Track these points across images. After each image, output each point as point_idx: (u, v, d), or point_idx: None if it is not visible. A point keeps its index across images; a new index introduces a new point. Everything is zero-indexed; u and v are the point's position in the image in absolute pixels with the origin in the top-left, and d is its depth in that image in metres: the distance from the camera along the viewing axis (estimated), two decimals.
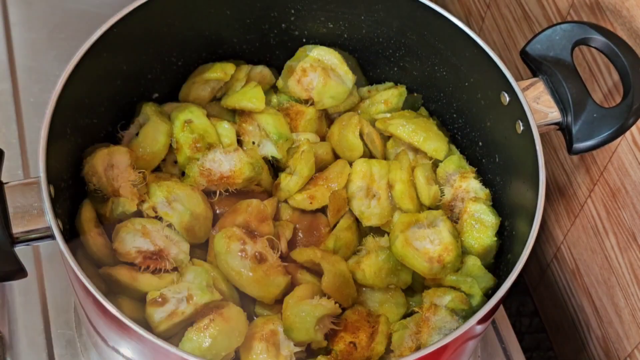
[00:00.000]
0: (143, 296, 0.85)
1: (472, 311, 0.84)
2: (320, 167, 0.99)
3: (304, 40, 1.04)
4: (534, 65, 0.90)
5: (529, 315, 1.24)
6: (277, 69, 1.05)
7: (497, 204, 0.95)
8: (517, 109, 0.88)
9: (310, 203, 0.96)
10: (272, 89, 1.06)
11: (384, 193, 0.96)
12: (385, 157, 1.02)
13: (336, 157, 1.01)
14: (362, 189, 0.96)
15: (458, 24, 0.93)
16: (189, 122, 0.97)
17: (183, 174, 0.96)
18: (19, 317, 1.03)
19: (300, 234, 0.95)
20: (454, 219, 0.95)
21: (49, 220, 0.78)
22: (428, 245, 0.90)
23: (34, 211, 0.79)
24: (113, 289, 0.86)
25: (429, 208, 0.96)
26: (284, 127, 0.99)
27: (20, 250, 0.78)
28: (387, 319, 0.88)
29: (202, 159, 0.94)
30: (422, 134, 0.98)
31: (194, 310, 0.82)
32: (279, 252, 0.91)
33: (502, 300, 0.80)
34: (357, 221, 0.96)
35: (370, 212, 0.94)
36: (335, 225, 0.95)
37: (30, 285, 1.05)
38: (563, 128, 0.89)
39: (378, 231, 0.96)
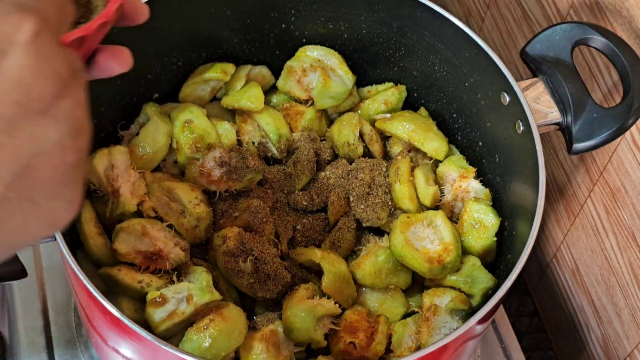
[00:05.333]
0: (143, 296, 0.85)
1: (472, 311, 0.84)
2: (320, 167, 0.99)
3: (304, 40, 1.04)
4: (534, 66, 0.90)
5: (529, 315, 1.24)
6: (277, 69, 1.05)
7: (497, 204, 0.95)
8: (517, 109, 0.88)
9: (311, 203, 0.96)
10: (272, 89, 1.06)
11: (383, 193, 0.96)
12: (385, 157, 1.02)
13: (336, 157, 1.01)
14: (362, 189, 0.96)
15: (458, 24, 0.93)
16: (189, 122, 0.97)
17: (183, 174, 0.96)
18: (19, 317, 1.03)
19: (300, 234, 0.95)
20: (454, 219, 0.96)
21: None
22: (428, 245, 0.90)
23: None
24: (113, 289, 0.86)
25: (429, 208, 0.96)
26: (283, 127, 0.99)
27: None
28: (387, 319, 0.88)
29: (202, 159, 0.94)
30: (422, 134, 0.98)
31: (194, 310, 0.82)
32: (279, 252, 0.91)
33: (502, 300, 0.80)
34: (357, 221, 0.96)
35: (370, 212, 0.95)
36: (335, 225, 0.95)
37: (30, 286, 1.05)
38: (563, 128, 0.89)
39: (378, 231, 0.96)
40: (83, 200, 0.42)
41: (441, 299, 0.87)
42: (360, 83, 1.06)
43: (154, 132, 0.96)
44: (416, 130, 0.98)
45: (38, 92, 0.40)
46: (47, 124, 0.40)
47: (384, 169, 0.97)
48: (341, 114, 1.03)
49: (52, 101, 0.40)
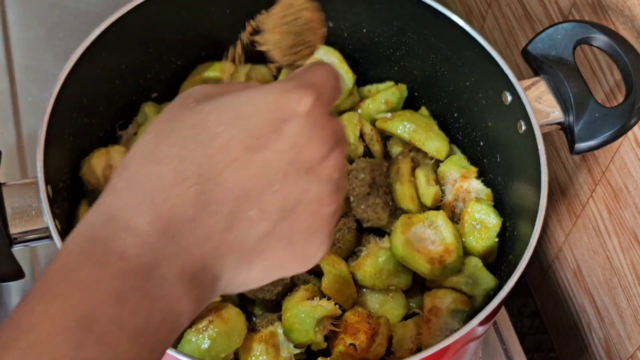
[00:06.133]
0: None
1: (474, 312, 0.84)
2: None
3: None
4: (536, 65, 0.90)
5: (531, 316, 1.23)
6: (277, 69, 1.04)
7: (499, 204, 0.94)
8: (518, 109, 0.88)
9: None
10: None
11: (384, 194, 0.95)
12: (385, 157, 1.01)
13: None
14: (362, 189, 0.95)
15: (459, 23, 0.92)
16: None
17: None
18: None
19: None
20: (455, 220, 0.95)
21: (47, 221, 0.77)
22: (429, 246, 0.89)
23: (32, 212, 0.78)
24: None
25: (430, 208, 0.95)
26: None
27: (17, 251, 0.77)
28: (388, 321, 0.88)
29: None
30: (422, 134, 0.98)
31: None
32: None
33: (504, 302, 0.79)
34: (358, 222, 0.95)
35: (370, 212, 0.94)
36: (335, 225, 0.94)
37: (28, 287, 1.05)
38: (565, 128, 0.88)
39: (379, 232, 0.96)
40: (330, 244, 0.53)
41: (442, 300, 0.87)
42: (360, 82, 1.05)
43: None
44: (417, 130, 0.98)
45: (308, 154, 0.48)
46: (310, 181, 0.49)
47: (385, 169, 0.97)
48: (341, 113, 1.03)
49: (317, 163, 0.49)
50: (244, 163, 0.47)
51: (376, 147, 1.00)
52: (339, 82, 0.53)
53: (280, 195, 0.48)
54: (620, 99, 0.91)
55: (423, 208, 0.96)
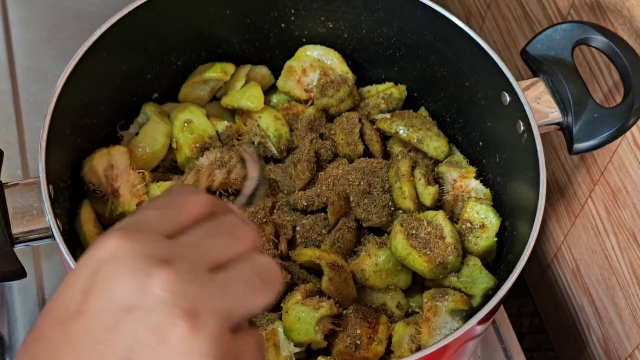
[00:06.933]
0: None
1: (473, 312, 0.84)
2: (321, 167, 0.99)
3: (304, 40, 1.04)
4: (535, 65, 0.90)
5: (530, 316, 1.23)
6: (277, 69, 1.05)
7: (498, 204, 0.95)
8: (517, 109, 0.88)
9: (311, 203, 0.95)
10: (271, 89, 1.06)
11: (384, 193, 0.95)
12: (385, 157, 1.01)
13: (336, 156, 1.01)
14: (362, 189, 0.95)
15: (458, 24, 0.93)
16: (188, 122, 0.96)
17: (182, 174, 0.96)
18: (18, 317, 1.03)
19: (300, 234, 0.94)
20: (455, 219, 0.95)
21: (49, 220, 0.77)
22: (428, 245, 0.89)
23: (34, 211, 0.79)
24: None
25: (429, 208, 0.95)
26: (283, 127, 0.99)
27: (19, 250, 0.78)
28: (387, 320, 0.88)
29: (201, 159, 0.94)
30: (422, 134, 0.98)
31: None
32: (279, 252, 0.91)
33: (503, 301, 0.80)
34: (357, 221, 0.96)
35: (370, 212, 0.94)
36: (335, 225, 0.95)
37: (30, 286, 1.05)
38: (563, 128, 0.88)
39: (378, 231, 0.96)
40: None
41: (441, 299, 0.87)
42: (360, 83, 1.06)
43: (154, 132, 0.95)
44: (416, 130, 0.98)
45: None
46: None
47: (384, 169, 0.97)
48: (341, 113, 1.03)
49: None
50: None
51: (376, 147, 1.00)
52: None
53: None
54: (619, 99, 0.91)
55: (422, 208, 0.96)
